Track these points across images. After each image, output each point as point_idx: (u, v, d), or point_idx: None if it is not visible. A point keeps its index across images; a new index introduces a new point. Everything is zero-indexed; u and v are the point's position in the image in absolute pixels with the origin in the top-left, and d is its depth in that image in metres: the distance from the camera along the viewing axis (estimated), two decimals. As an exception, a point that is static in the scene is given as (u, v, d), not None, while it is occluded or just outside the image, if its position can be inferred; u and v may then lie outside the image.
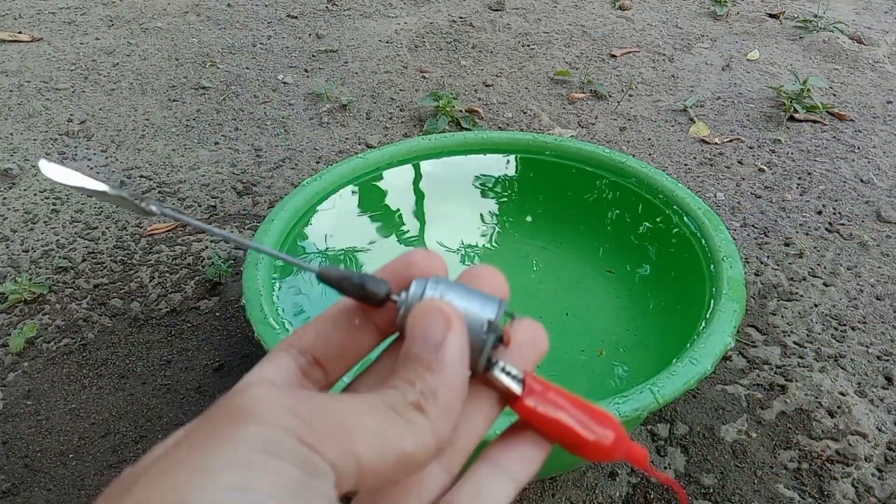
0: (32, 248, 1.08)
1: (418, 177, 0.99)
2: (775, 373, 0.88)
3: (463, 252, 0.95)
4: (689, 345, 0.64)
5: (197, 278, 1.02)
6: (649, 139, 1.39)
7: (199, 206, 1.18)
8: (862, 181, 1.27)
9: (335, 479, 0.16)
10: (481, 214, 0.99)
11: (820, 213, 1.19)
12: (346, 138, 1.38)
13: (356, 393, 0.19)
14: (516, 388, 0.21)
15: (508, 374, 0.21)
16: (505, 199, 1.00)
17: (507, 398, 0.22)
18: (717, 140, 1.38)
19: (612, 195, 0.94)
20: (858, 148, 1.37)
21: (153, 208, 0.22)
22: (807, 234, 1.13)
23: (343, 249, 0.91)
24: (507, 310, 0.22)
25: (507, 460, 0.21)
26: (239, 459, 0.14)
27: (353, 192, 0.93)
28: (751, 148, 1.36)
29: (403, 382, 0.19)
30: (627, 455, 0.22)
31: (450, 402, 0.19)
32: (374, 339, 0.23)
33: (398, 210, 0.97)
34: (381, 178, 0.95)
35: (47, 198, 1.20)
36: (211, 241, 1.09)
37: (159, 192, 1.21)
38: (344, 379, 0.23)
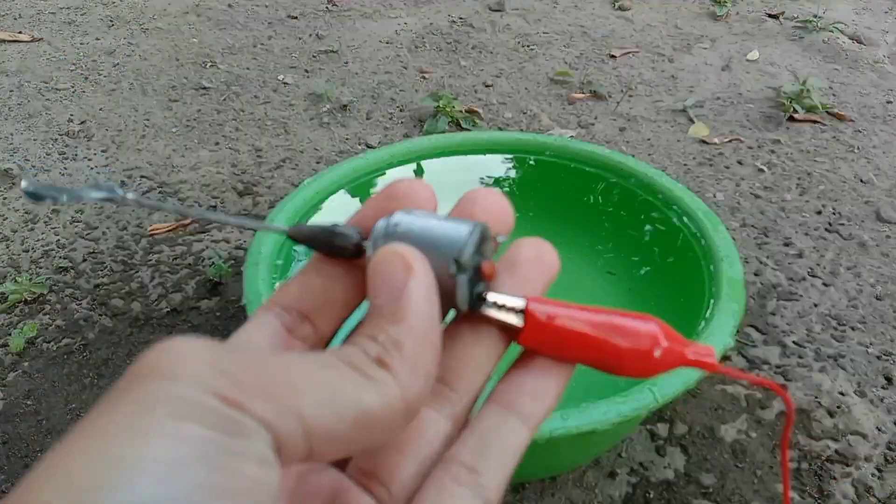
0: (33, 248, 1.08)
1: (418, 177, 0.99)
2: (775, 373, 0.88)
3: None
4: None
5: (198, 278, 1.02)
6: (649, 139, 1.39)
7: (200, 206, 1.18)
8: (861, 181, 1.27)
9: (270, 438, 0.14)
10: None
11: (819, 213, 1.19)
12: (347, 138, 1.38)
13: (309, 352, 0.16)
14: (515, 320, 0.19)
15: (503, 307, 0.19)
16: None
17: (510, 333, 0.19)
18: (716, 140, 1.38)
19: (612, 195, 0.94)
20: (858, 148, 1.37)
21: (129, 196, 0.19)
22: (806, 234, 1.14)
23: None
24: (487, 234, 0.19)
25: (517, 397, 0.19)
26: (139, 428, 0.12)
27: (353, 192, 0.94)
28: (750, 148, 1.37)
29: (365, 339, 0.17)
30: (686, 359, 0.18)
31: (418, 354, 0.16)
32: (362, 286, 0.20)
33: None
34: (381, 178, 0.96)
35: (48, 198, 1.20)
36: (211, 241, 1.10)
37: (160, 192, 1.22)
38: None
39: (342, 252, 0.19)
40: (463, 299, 0.18)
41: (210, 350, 0.14)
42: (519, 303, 0.19)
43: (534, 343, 0.19)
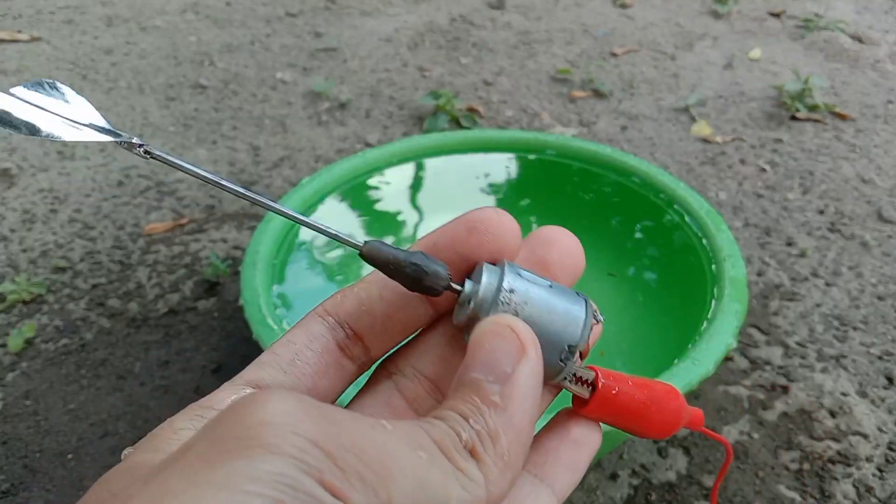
0: (31, 248, 1.08)
1: (418, 176, 0.98)
2: (777, 373, 0.87)
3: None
4: (690, 345, 0.64)
5: (195, 278, 1.01)
6: (651, 138, 1.38)
7: (198, 206, 1.17)
8: (863, 181, 1.27)
9: None
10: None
11: (822, 212, 1.18)
12: (346, 137, 1.37)
13: (397, 420, 0.15)
14: (585, 393, 0.19)
15: (579, 379, 0.19)
16: (505, 199, 1.00)
17: (573, 397, 0.19)
18: (718, 139, 1.38)
19: (614, 194, 0.93)
20: (860, 147, 1.37)
21: (135, 140, 0.18)
22: (809, 233, 1.13)
23: (341, 249, 0.91)
24: (595, 313, 0.18)
25: (552, 470, 0.18)
26: (238, 501, 0.12)
27: (352, 191, 0.93)
28: (753, 147, 1.36)
29: (456, 415, 0.15)
30: (688, 424, 0.21)
31: (512, 452, 0.15)
32: (427, 314, 0.19)
33: (398, 209, 0.97)
34: (380, 177, 0.95)
35: (45, 197, 1.19)
36: (209, 241, 1.09)
37: (157, 191, 1.21)
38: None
39: (426, 291, 0.18)
40: (558, 380, 0.18)
41: (312, 421, 0.13)
42: (590, 375, 0.19)
43: (589, 412, 0.19)
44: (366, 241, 0.18)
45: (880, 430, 0.81)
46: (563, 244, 0.20)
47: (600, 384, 0.19)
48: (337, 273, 0.89)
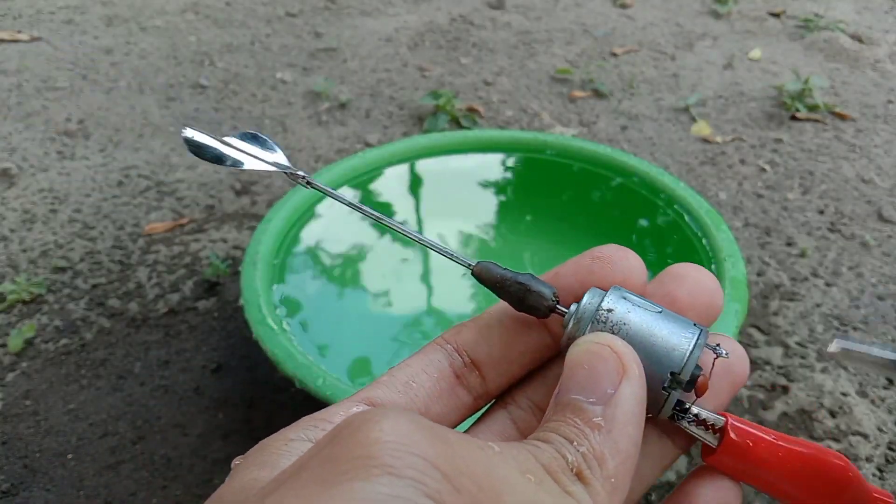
0: (31, 248, 1.08)
1: (418, 175, 0.98)
2: (777, 373, 0.87)
3: (462, 252, 0.94)
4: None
5: (195, 278, 1.01)
6: (651, 138, 1.38)
7: (198, 206, 1.17)
8: (863, 181, 1.27)
9: None
10: (481, 213, 0.98)
11: (822, 212, 1.18)
12: (346, 137, 1.37)
13: (504, 442, 0.15)
14: (711, 440, 0.17)
15: (703, 422, 0.17)
16: (505, 198, 1.00)
17: (700, 445, 0.18)
18: (718, 139, 1.38)
19: (614, 194, 0.93)
20: (860, 147, 1.37)
21: (300, 173, 0.21)
22: (809, 233, 1.13)
23: (341, 248, 0.91)
24: (707, 343, 0.17)
25: None
26: None
27: (351, 191, 0.93)
28: (753, 147, 1.36)
29: (560, 437, 0.15)
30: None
31: (619, 475, 0.15)
32: (548, 347, 0.19)
33: (397, 209, 0.97)
34: (380, 176, 0.95)
35: (45, 197, 1.19)
36: (209, 241, 1.09)
37: (157, 191, 1.21)
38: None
39: (530, 310, 0.18)
40: (666, 411, 0.17)
41: (428, 441, 0.13)
42: (719, 421, 0.17)
43: (722, 464, 0.18)
44: (478, 262, 0.19)
45: (880, 430, 0.81)
46: (694, 281, 0.18)
47: (730, 431, 0.17)
48: (337, 273, 0.89)
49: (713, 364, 0.18)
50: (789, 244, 1.10)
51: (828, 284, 1.02)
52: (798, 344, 0.92)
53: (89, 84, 1.54)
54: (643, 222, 0.90)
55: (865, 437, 0.79)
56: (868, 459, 0.77)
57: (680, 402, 0.17)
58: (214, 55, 1.68)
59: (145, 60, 1.65)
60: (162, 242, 1.09)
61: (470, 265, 0.19)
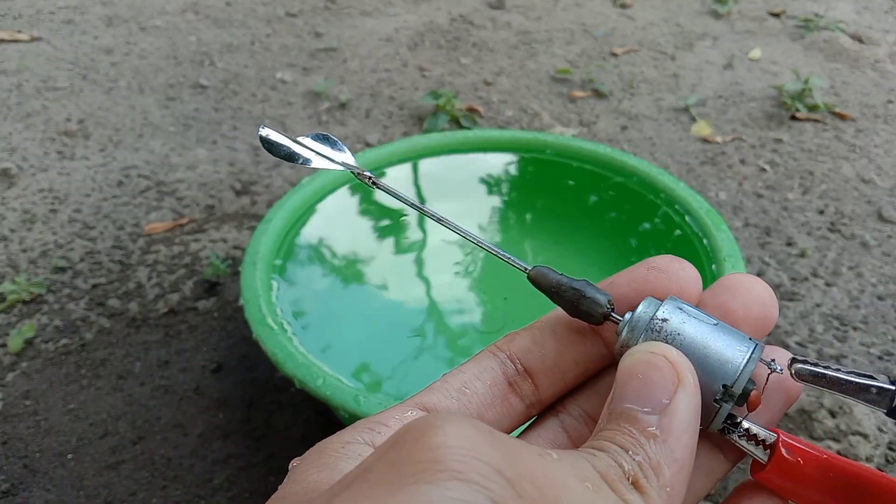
0: (31, 248, 1.08)
1: (418, 176, 0.98)
2: (777, 373, 0.87)
3: (462, 252, 0.94)
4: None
5: (195, 278, 1.01)
6: (651, 138, 1.38)
7: (198, 206, 1.17)
8: (863, 181, 1.27)
9: None
10: (481, 213, 0.98)
11: (822, 212, 1.18)
12: (346, 137, 1.37)
13: (561, 450, 0.15)
14: (761, 456, 0.17)
15: (754, 437, 0.17)
16: (505, 198, 1.00)
17: (750, 461, 0.18)
18: (718, 139, 1.38)
19: (614, 194, 0.93)
20: (860, 147, 1.37)
21: (367, 174, 0.22)
22: (809, 233, 1.13)
23: (342, 249, 0.91)
24: (762, 358, 0.17)
25: None
26: None
27: (352, 191, 0.93)
28: (753, 147, 1.36)
29: (616, 446, 0.15)
30: None
31: (675, 485, 0.15)
32: (601, 356, 0.19)
33: (397, 209, 0.97)
34: (380, 176, 0.95)
35: (45, 197, 1.19)
36: (209, 241, 1.09)
37: (157, 191, 1.21)
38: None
39: (584, 316, 0.18)
40: (717, 424, 0.17)
41: (492, 448, 0.13)
42: (770, 436, 0.17)
43: (771, 482, 0.17)
44: (534, 266, 0.19)
45: (880, 430, 0.81)
46: (749, 292, 0.18)
47: (781, 448, 0.17)
48: (337, 272, 0.89)
49: (767, 379, 0.17)
50: (789, 244, 1.10)
51: (828, 284, 1.02)
52: (798, 344, 0.92)
53: (89, 84, 1.54)
54: (643, 222, 0.90)
55: (865, 437, 0.79)
56: (868, 459, 0.77)
57: (731, 416, 0.17)
58: (214, 55, 1.68)
59: (145, 60, 1.65)
60: (162, 242, 1.09)
61: (526, 269, 0.19)
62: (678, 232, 0.84)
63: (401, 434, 0.14)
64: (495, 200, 1.00)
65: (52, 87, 1.52)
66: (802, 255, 1.08)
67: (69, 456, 0.78)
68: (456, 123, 1.39)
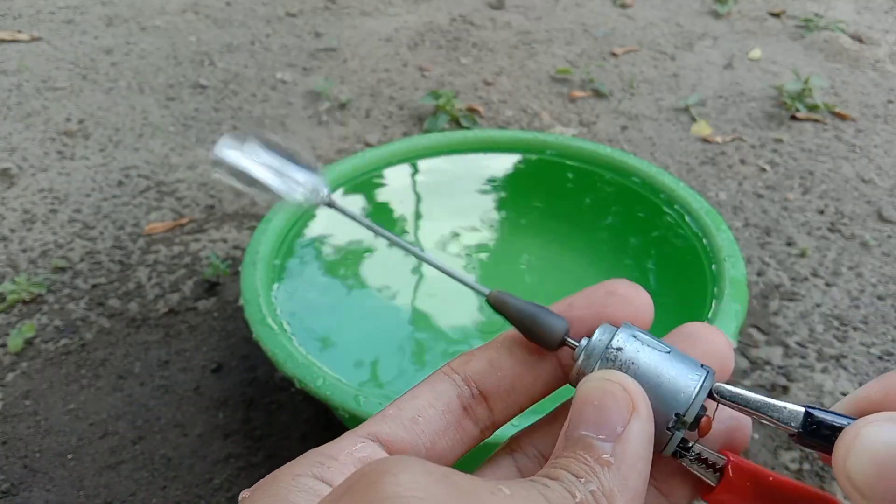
0: (31, 248, 1.08)
1: (417, 176, 0.98)
2: (777, 373, 0.87)
3: (462, 252, 0.94)
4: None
5: (195, 278, 1.01)
6: (651, 138, 1.38)
7: (198, 206, 1.17)
8: (863, 181, 1.27)
9: None
10: (481, 213, 0.98)
11: (822, 212, 1.18)
12: (346, 137, 1.37)
13: (512, 481, 0.15)
14: (711, 479, 0.18)
15: (704, 461, 0.18)
16: (505, 198, 1.00)
17: (698, 484, 0.18)
18: (718, 139, 1.38)
19: (614, 194, 0.93)
20: (860, 147, 1.37)
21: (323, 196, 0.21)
22: (809, 233, 1.13)
23: (342, 249, 0.91)
24: (713, 386, 0.17)
25: None
26: None
27: (352, 191, 0.93)
28: (753, 147, 1.36)
29: (569, 474, 0.15)
30: None
31: None
32: (557, 378, 0.19)
33: (397, 209, 0.97)
34: (380, 177, 0.95)
35: (45, 197, 1.19)
36: (209, 241, 1.09)
37: (157, 191, 1.21)
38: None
39: (541, 340, 0.18)
40: (670, 450, 0.17)
41: (447, 495, 0.13)
42: (720, 460, 0.18)
43: (714, 502, 0.18)
44: (491, 291, 0.19)
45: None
46: (708, 343, 0.19)
47: (730, 472, 0.17)
48: (337, 273, 0.89)
49: (717, 406, 0.18)
50: (789, 244, 1.10)
51: (828, 284, 1.02)
52: (798, 344, 0.92)
53: (89, 84, 1.54)
54: (643, 222, 0.90)
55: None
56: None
57: (683, 440, 0.18)
58: (214, 55, 1.68)
59: (145, 60, 1.65)
60: (162, 242, 1.09)
61: (484, 293, 0.19)
62: (678, 232, 0.84)
63: (353, 481, 0.14)
64: (495, 200, 1.00)
65: (52, 87, 1.52)
66: (802, 255, 1.08)
67: (69, 456, 0.78)
68: (456, 123, 1.39)
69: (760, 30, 1.88)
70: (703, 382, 0.17)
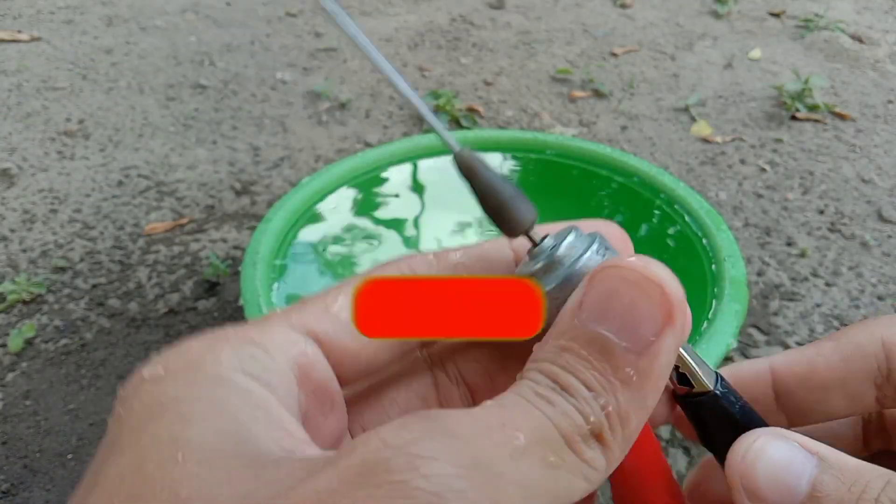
0: (31, 248, 1.08)
1: (417, 176, 0.98)
2: (777, 373, 0.87)
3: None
4: (691, 345, 0.64)
5: (195, 278, 1.01)
6: (651, 138, 1.38)
7: (198, 206, 1.17)
8: (863, 181, 1.27)
9: None
10: (481, 213, 0.98)
11: (822, 212, 1.18)
12: (345, 137, 1.37)
13: (516, 409, 0.12)
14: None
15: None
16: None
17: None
18: (718, 139, 1.38)
19: (614, 194, 0.93)
20: (860, 147, 1.37)
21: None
22: (809, 233, 1.13)
23: (342, 249, 0.91)
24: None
25: None
26: None
27: (351, 191, 0.93)
28: (753, 147, 1.36)
29: (579, 385, 0.12)
30: None
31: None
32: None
33: (398, 209, 0.97)
34: (380, 176, 0.95)
35: (45, 197, 1.19)
36: (209, 241, 1.09)
37: (157, 191, 1.21)
38: None
39: (502, 223, 0.16)
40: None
41: (479, 491, 0.11)
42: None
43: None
44: (464, 148, 0.16)
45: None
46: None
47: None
48: (338, 273, 0.89)
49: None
50: (789, 244, 1.10)
51: (828, 284, 1.02)
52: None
53: (89, 84, 1.54)
54: (643, 222, 0.90)
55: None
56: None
57: None
58: (214, 55, 1.68)
59: (145, 60, 1.65)
60: (162, 242, 1.09)
61: (455, 149, 0.16)
62: (678, 232, 0.84)
63: (365, 466, 0.11)
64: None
65: (52, 87, 1.52)
66: (802, 255, 1.08)
67: (69, 456, 0.78)
68: (456, 123, 1.39)
69: (760, 30, 1.88)
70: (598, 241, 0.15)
